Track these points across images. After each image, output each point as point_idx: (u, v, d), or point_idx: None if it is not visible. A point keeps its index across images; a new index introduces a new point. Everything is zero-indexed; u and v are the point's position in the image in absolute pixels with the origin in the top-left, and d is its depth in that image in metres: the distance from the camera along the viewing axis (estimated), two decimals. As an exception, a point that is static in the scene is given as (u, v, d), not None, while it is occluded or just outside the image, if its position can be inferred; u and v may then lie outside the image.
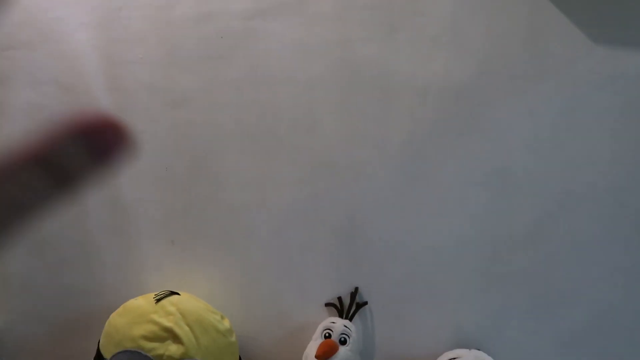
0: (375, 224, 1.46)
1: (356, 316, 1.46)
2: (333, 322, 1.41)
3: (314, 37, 1.46)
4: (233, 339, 1.43)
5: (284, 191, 1.50)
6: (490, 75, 1.40)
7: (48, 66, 1.57)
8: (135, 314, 1.37)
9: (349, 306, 1.46)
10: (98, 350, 1.38)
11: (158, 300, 1.39)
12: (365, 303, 1.47)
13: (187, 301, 1.41)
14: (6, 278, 1.65)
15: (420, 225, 1.45)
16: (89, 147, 0.24)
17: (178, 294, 1.45)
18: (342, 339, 1.38)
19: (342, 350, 1.35)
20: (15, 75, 1.59)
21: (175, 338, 1.33)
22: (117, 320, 1.38)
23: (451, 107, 1.42)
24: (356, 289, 1.47)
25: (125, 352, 1.32)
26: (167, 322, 1.34)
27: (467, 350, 1.33)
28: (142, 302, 1.40)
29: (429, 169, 1.43)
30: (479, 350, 1.34)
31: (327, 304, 1.49)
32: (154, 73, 1.54)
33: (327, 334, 1.39)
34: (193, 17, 1.50)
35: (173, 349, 1.32)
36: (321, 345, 1.34)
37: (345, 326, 1.40)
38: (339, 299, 1.47)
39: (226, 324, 1.43)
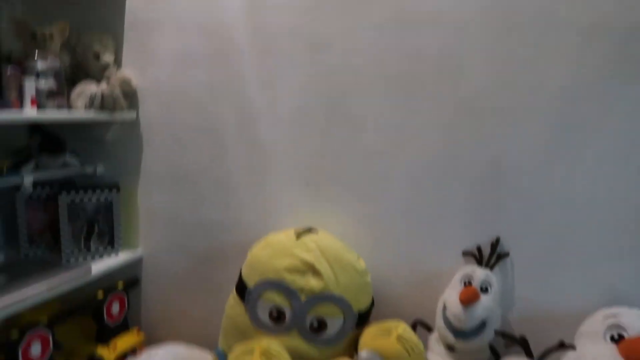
0: (522, 172, 1.37)
1: (496, 267, 1.40)
2: (473, 271, 1.36)
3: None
4: (368, 279, 1.43)
5: (424, 136, 1.44)
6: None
7: (192, 12, 1.62)
8: (277, 248, 1.41)
9: (489, 256, 1.39)
10: (241, 279, 1.45)
11: (298, 236, 1.42)
12: (507, 254, 1.40)
13: (325, 239, 1.43)
14: (151, 211, 1.77)
15: (574, 175, 1.33)
16: None
17: (316, 231, 1.47)
18: (484, 287, 1.33)
19: (484, 298, 1.30)
20: (163, 22, 1.66)
21: (316, 273, 1.35)
22: (260, 252, 1.44)
23: (621, 51, 1.27)
24: (497, 238, 1.40)
25: (268, 281, 1.37)
26: (308, 257, 1.37)
27: (628, 308, 1.22)
28: (284, 237, 1.44)
29: (589, 117, 1.30)
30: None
31: (464, 253, 1.44)
32: (297, 17, 1.53)
33: (467, 281, 1.35)
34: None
35: (313, 282, 1.35)
36: (464, 291, 1.30)
37: (487, 275, 1.34)
38: (478, 248, 1.42)
39: (362, 264, 1.44)
